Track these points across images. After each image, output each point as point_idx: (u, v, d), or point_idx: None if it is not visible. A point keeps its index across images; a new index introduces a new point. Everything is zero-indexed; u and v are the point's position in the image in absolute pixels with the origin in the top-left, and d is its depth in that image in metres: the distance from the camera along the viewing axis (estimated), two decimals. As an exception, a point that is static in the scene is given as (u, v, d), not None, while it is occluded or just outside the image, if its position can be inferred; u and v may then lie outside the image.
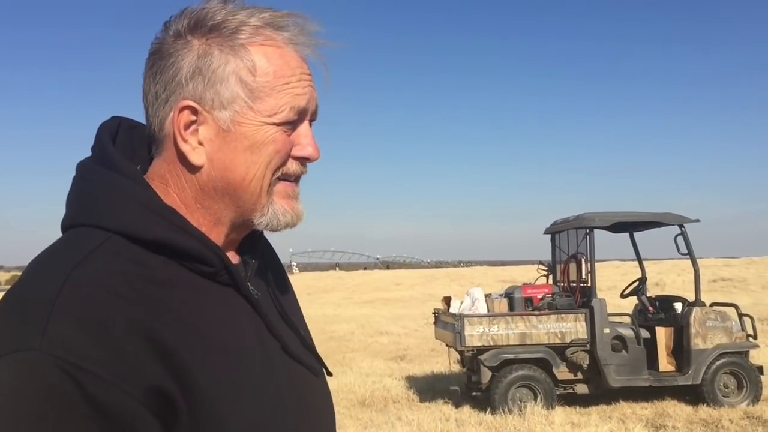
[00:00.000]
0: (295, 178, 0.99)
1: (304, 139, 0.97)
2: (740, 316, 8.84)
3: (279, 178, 0.97)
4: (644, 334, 8.74)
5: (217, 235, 0.98)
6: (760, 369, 8.67)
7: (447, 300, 9.52)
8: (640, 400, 8.78)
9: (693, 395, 8.65)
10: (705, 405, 8.44)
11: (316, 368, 1.08)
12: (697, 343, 8.51)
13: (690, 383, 8.50)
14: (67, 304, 0.79)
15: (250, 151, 0.93)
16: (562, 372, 8.50)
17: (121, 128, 1.01)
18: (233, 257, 1.01)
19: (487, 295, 9.15)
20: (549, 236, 10.14)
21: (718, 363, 8.51)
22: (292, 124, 0.95)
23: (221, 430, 0.86)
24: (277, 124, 0.94)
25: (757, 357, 9.56)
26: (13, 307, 0.81)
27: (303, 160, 0.98)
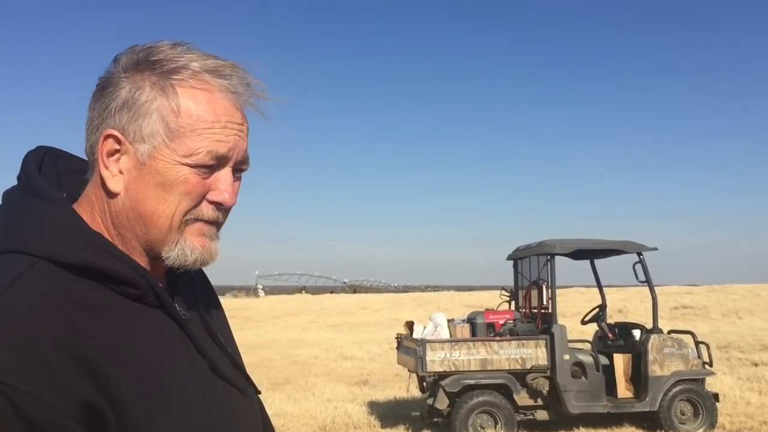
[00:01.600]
0: (214, 222, 1.01)
1: (222, 184, 0.99)
2: (697, 343, 8.99)
3: (194, 219, 0.98)
4: (603, 360, 8.82)
5: (139, 260, 1.00)
6: (715, 396, 8.81)
7: (410, 325, 9.52)
8: (599, 427, 8.84)
9: (651, 422, 8.74)
10: (662, 432, 8.54)
11: (244, 387, 1.10)
12: (655, 370, 8.62)
13: (648, 410, 8.59)
14: None
15: (161, 187, 0.96)
16: (522, 398, 8.53)
17: (47, 157, 1.04)
18: (161, 280, 1.04)
19: (449, 321, 9.17)
20: (512, 262, 10.23)
21: (675, 390, 8.62)
22: (209, 169, 0.97)
23: None
24: (191, 166, 0.96)
25: (713, 384, 9.72)
26: None
27: (218, 205, 1.00)
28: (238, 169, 1.02)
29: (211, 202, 0.99)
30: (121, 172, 0.97)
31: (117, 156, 0.97)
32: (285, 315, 38.48)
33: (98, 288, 0.93)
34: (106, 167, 0.97)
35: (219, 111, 0.97)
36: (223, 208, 1.00)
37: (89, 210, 0.99)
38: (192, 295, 1.10)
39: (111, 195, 0.98)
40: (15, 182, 1.02)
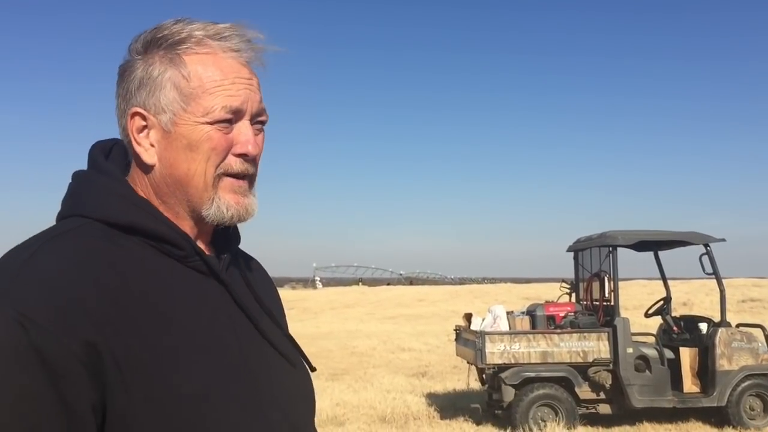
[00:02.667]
0: (244, 176, 1.09)
1: (243, 137, 1.07)
2: (767, 337, 8.70)
3: (224, 174, 1.07)
4: (668, 354, 8.63)
5: (185, 226, 1.09)
6: (787, 392, 8.52)
7: (468, 317, 9.49)
8: (663, 422, 8.66)
9: (718, 417, 8.52)
10: (730, 427, 8.32)
11: (293, 358, 1.15)
12: (723, 364, 8.39)
13: (715, 405, 8.38)
14: (34, 268, 0.92)
15: (188, 149, 1.05)
16: (584, 391, 8.42)
17: (116, 147, 1.14)
18: (207, 248, 1.12)
19: (508, 313, 9.10)
20: (572, 254, 10.08)
21: (743, 385, 8.38)
22: (228, 123, 1.06)
23: (167, 393, 0.94)
24: (211, 123, 1.04)
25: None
26: None
27: (243, 157, 1.07)
28: (258, 122, 1.10)
29: (237, 155, 1.07)
30: (152, 145, 1.07)
31: (146, 132, 1.07)
32: (342, 306, 38.82)
33: (143, 246, 1.02)
34: (138, 143, 1.07)
35: (226, 69, 1.06)
36: (249, 159, 1.08)
37: (134, 188, 1.09)
38: (245, 275, 1.17)
39: (148, 168, 1.08)
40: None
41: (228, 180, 1.07)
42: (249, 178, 1.10)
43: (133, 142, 1.07)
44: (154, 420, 0.93)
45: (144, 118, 1.06)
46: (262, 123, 1.11)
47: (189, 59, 1.05)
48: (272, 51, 1.12)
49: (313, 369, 1.21)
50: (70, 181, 1.10)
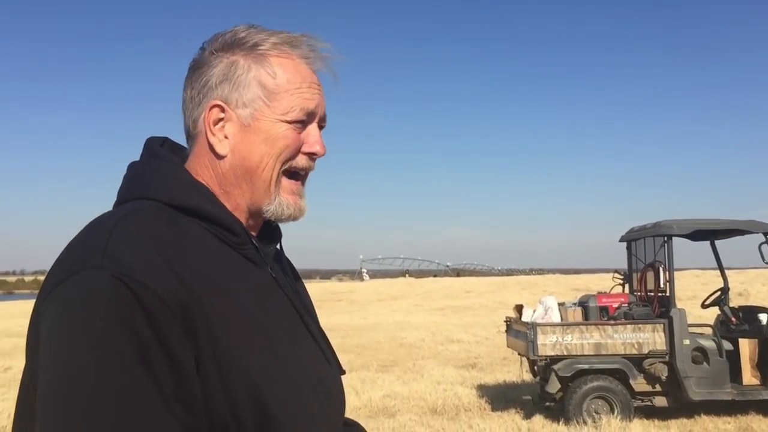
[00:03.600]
0: (304, 174, 1.17)
1: (312, 137, 1.15)
2: (831, 328, 8.41)
3: (287, 172, 1.14)
4: (727, 345, 8.41)
5: (240, 218, 1.14)
6: None
7: (519, 308, 9.39)
8: (722, 415, 8.44)
9: (779, 411, 8.27)
10: (793, 421, 8.06)
11: (328, 353, 1.20)
12: (784, 356, 8.13)
13: (776, 398, 8.13)
14: (120, 234, 0.97)
15: (265, 143, 1.11)
16: (639, 384, 8.27)
17: (167, 141, 1.20)
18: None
19: (560, 304, 8.98)
20: (624, 244, 9.90)
21: (807, 377, 8.11)
22: (302, 124, 1.13)
23: (238, 368, 0.97)
24: (289, 122, 1.12)
25: None
26: (75, 245, 1.00)
27: (311, 156, 1.16)
28: (321, 126, 1.18)
29: (305, 154, 1.15)
30: (226, 137, 1.12)
31: (221, 124, 1.12)
32: (389, 298, 38.91)
33: (202, 229, 1.07)
34: (213, 134, 1.12)
35: (303, 74, 1.14)
36: (315, 158, 1.16)
37: (196, 175, 1.13)
38: (286, 270, 1.23)
39: (219, 157, 1.12)
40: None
41: (287, 182, 1.14)
42: (303, 179, 1.17)
43: (208, 133, 1.12)
44: (222, 392, 0.96)
45: (223, 110, 1.12)
46: (323, 128, 1.19)
47: (273, 60, 1.13)
48: (339, 60, 1.19)
49: (343, 372, 1.25)
50: (125, 172, 1.14)
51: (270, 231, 1.21)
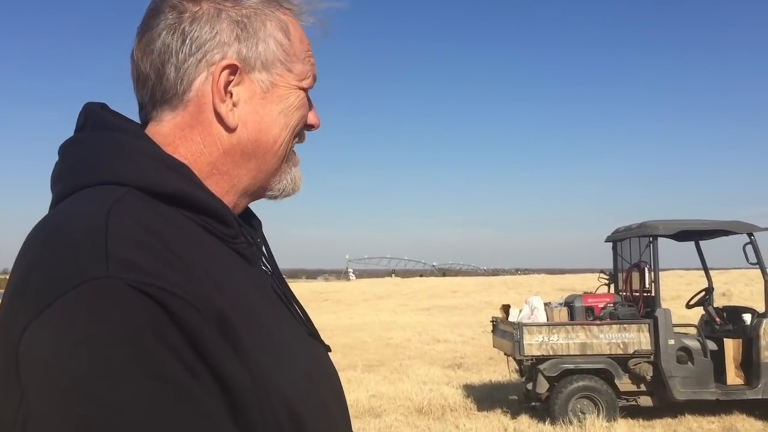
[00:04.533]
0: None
1: (313, 108, 1.00)
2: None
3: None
4: (711, 345, 8.46)
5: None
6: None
7: (505, 308, 9.42)
8: (706, 414, 8.50)
9: (763, 410, 8.33)
10: (776, 420, 8.12)
11: (326, 345, 1.06)
12: (768, 355, 8.20)
13: (760, 397, 8.19)
14: (120, 229, 0.73)
15: (284, 114, 0.94)
16: (624, 383, 8.30)
17: (107, 108, 0.93)
18: None
19: (546, 304, 9.02)
20: (610, 244, 9.94)
21: (790, 377, 8.17)
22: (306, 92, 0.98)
23: (275, 386, 0.80)
24: (305, 89, 0.97)
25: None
26: (56, 247, 0.73)
27: (310, 128, 1.01)
28: None
29: (306, 127, 1.00)
30: (234, 105, 0.91)
31: (230, 88, 0.91)
32: (376, 298, 38.92)
33: (190, 221, 0.84)
34: (223, 101, 0.90)
35: (305, 37, 0.98)
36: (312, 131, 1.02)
37: (172, 151, 0.90)
38: (271, 259, 1.04)
39: (229, 130, 0.91)
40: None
41: (292, 155, 0.99)
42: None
43: (216, 99, 0.89)
44: (269, 414, 0.78)
45: (235, 72, 0.90)
46: None
47: (284, 17, 0.95)
48: (331, 7, 1.02)
49: (329, 349, 1.08)
50: (65, 149, 0.88)
51: (247, 218, 1.01)
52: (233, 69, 0.90)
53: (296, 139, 0.98)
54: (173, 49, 0.89)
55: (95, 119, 0.89)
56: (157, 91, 0.91)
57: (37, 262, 0.73)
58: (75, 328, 0.67)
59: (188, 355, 0.70)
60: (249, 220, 1.01)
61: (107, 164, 0.83)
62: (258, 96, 0.92)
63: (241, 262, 0.90)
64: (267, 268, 0.99)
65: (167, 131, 0.91)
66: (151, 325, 0.68)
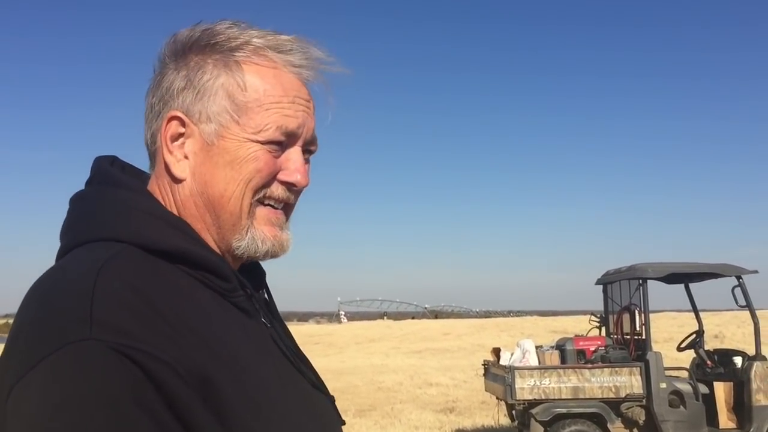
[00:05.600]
0: (283, 206, 0.97)
1: (293, 164, 0.95)
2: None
3: (261, 202, 0.95)
4: (703, 389, 8.44)
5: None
6: (827, 428, 8.27)
7: (497, 351, 9.39)
8: (700, 459, 8.43)
9: (756, 454, 8.27)
10: (769, 465, 8.06)
11: (331, 396, 1.05)
12: (759, 399, 8.17)
13: (752, 441, 8.15)
14: (105, 292, 0.76)
15: (230, 166, 0.92)
16: (617, 427, 8.24)
17: (116, 162, 1.00)
18: None
19: (538, 347, 8.99)
20: (601, 287, 9.97)
21: (782, 421, 8.15)
22: (279, 146, 0.94)
23: None
24: (262, 142, 0.92)
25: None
26: (45, 308, 0.77)
27: (289, 186, 0.96)
28: (307, 150, 0.98)
29: (282, 183, 0.95)
30: (186, 157, 0.93)
31: (181, 140, 0.93)
32: (367, 341, 38.62)
33: (188, 277, 0.87)
34: (171, 152, 0.93)
35: (286, 86, 0.94)
36: (294, 190, 0.96)
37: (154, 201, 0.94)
38: (273, 312, 1.05)
39: (176, 181, 0.94)
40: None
41: (264, 209, 0.95)
42: (286, 209, 0.98)
43: (165, 150, 0.93)
44: None
45: (183, 124, 0.93)
46: (311, 153, 1.00)
47: (247, 68, 0.93)
48: (337, 72, 0.99)
49: (333, 399, 1.09)
50: (70, 205, 0.94)
51: (252, 270, 1.02)
52: (180, 121, 0.93)
53: (260, 194, 0.94)
54: (147, 102, 0.97)
55: (102, 175, 0.95)
56: (145, 144, 0.99)
57: (27, 322, 0.77)
58: (56, 391, 0.70)
59: (166, 418, 0.73)
60: (255, 270, 1.03)
61: (107, 221, 0.88)
62: (205, 148, 0.93)
63: (239, 316, 0.91)
64: (267, 320, 0.98)
65: (151, 183, 0.97)
66: (130, 389, 0.71)
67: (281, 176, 0.95)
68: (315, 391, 1.00)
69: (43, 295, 0.80)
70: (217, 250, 0.94)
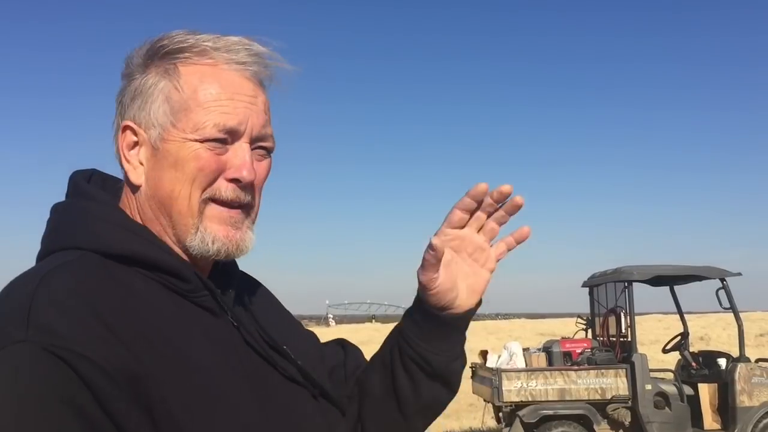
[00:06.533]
0: (239, 205, 0.97)
1: (238, 160, 0.95)
2: (787, 372, 8.59)
3: (212, 201, 0.96)
4: (688, 390, 8.53)
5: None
6: (810, 428, 8.37)
7: (484, 354, 9.44)
8: (685, 460, 8.51)
9: (740, 455, 8.36)
10: (753, 465, 8.15)
11: (311, 390, 1.05)
12: (743, 400, 8.27)
13: (736, 442, 8.24)
14: (44, 296, 0.82)
15: (174, 167, 0.94)
16: (603, 429, 8.32)
17: (95, 176, 1.05)
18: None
19: (525, 350, 9.06)
20: (587, 289, 10.04)
21: (765, 421, 8.25)
22: (221, 143, 0.94)
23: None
24: (200, 141, 0.94)
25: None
26: None
27: (236, 183, 0.96)
28: (260, 147, 0.99)
29: (230, 180, 0.96)
30: (141, 164, 0.97)
31: (137, 149, 0.97)
32: (356, 344, 38.45)
33: (146, 280, 0.92)
34: (127, 160, 0.98)
35: (225, 84, 0.95)
36: (243, 186, 0.96)
37: (127, 211, 1.00)
38: (251, 309, 1.06)
39: (135, 188, 0.98)
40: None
41: (215, 208, 0.96)
42: (244, 208, 0.98)
43: (123, 159, 0.98)
44: None
45: (135, 133, 0.97)
46: (267, 150, 1.00)
47: (185, 69, 0.96)
48: (284, 68, 1.01)
49: (323, 390, 1.07)
50: (49, 215, 1.00)
51: (225, 270, 1.04)
52: (132, 130, 0.98)
53: (207, 192, 0.95)
54: (113, 121, 1.01)
55: (74, 188, 1.02)
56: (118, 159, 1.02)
57: None
58: None
59: (96, 414, 0.78)
60: (227, 272, 1.04)
61: (70, 231, 0.95)
62: (154, 153, 0.96)
63: (202, 316, 0.95)
64: (236, 318, 0.99)
65: (123, 195, 1.01)
66: (59, 387, 0.77)
67: (227, 174, 0.96)
68: (292, 386, 1.02)
69: None
70: (179, 252, 0.97)
